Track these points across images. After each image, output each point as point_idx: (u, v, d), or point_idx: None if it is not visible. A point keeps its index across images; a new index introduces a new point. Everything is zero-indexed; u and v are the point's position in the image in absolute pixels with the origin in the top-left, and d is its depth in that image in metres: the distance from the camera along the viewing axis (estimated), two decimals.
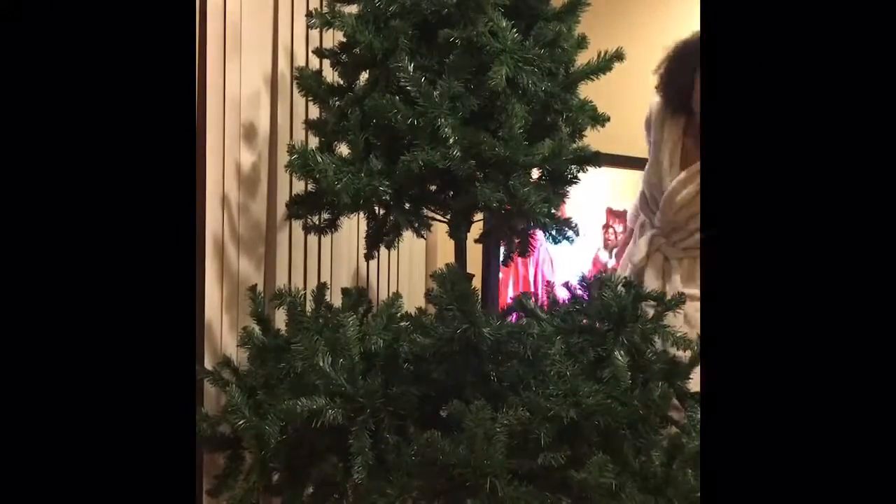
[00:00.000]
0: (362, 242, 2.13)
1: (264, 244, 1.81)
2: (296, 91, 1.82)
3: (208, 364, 1.59)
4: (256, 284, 1.54)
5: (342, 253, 2.07)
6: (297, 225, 1.85)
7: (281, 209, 1.82)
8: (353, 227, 2.09)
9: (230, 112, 1.69)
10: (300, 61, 1.86)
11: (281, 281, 1.84)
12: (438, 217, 1.53)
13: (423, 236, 1.56)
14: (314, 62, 1.76)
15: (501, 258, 1.65)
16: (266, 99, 1.80)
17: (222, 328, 1.68)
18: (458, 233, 1.51)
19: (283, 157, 1.79)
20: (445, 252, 1.62)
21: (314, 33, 1.87)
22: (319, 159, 1.31)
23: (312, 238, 1.95)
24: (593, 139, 1.49)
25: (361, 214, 1.63)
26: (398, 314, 1.36)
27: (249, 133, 1.75)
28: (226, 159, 1.68)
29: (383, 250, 1.69)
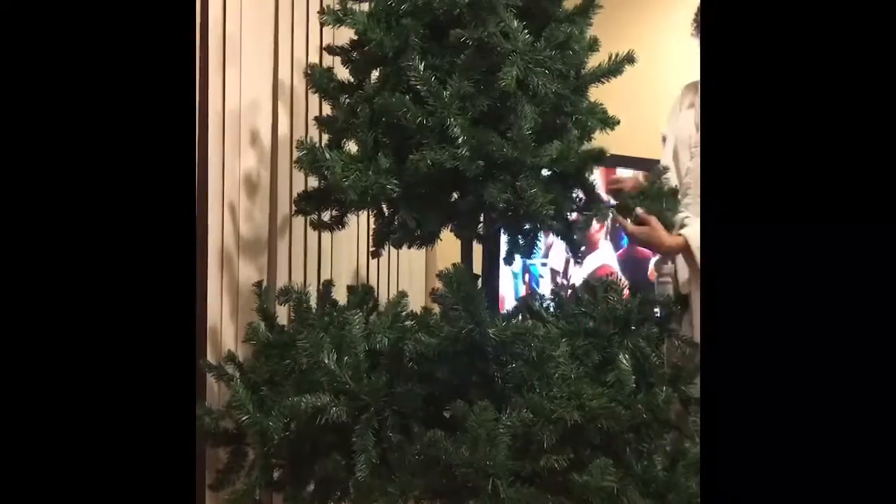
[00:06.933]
0: (363, 242, 2.15)
1: (266, 244, 1.82)
2: (297, 96, 1.85)
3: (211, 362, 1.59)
4: (262, 280, 1.54)
5: (342, 253, 2.06)
6: (298, 226, 1.88)
7: (282, 211, 1.84)
8: (354, 227, 2.08)
9: (230, 119, 1.70)
10: (300, 67, 1.87)
11: (282, 280, 1.84)
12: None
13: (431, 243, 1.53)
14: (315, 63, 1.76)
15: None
16: (267, 105, 1.81)
17: (222, 327, 1.68)
18: (464, 233, 1.50)
19: (283, 161, 1.82)
20: (445, 252, 1.62)
21: (314, 39, 1.90)
22: (328, 156, 1.31)
23: (312, 238, 1.96)
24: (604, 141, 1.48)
25: (363, 214, 1.63)
26: (403, 313, 1.36)
27: (250, 139, 1.77)
28: (226, 165, 1.70)
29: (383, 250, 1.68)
